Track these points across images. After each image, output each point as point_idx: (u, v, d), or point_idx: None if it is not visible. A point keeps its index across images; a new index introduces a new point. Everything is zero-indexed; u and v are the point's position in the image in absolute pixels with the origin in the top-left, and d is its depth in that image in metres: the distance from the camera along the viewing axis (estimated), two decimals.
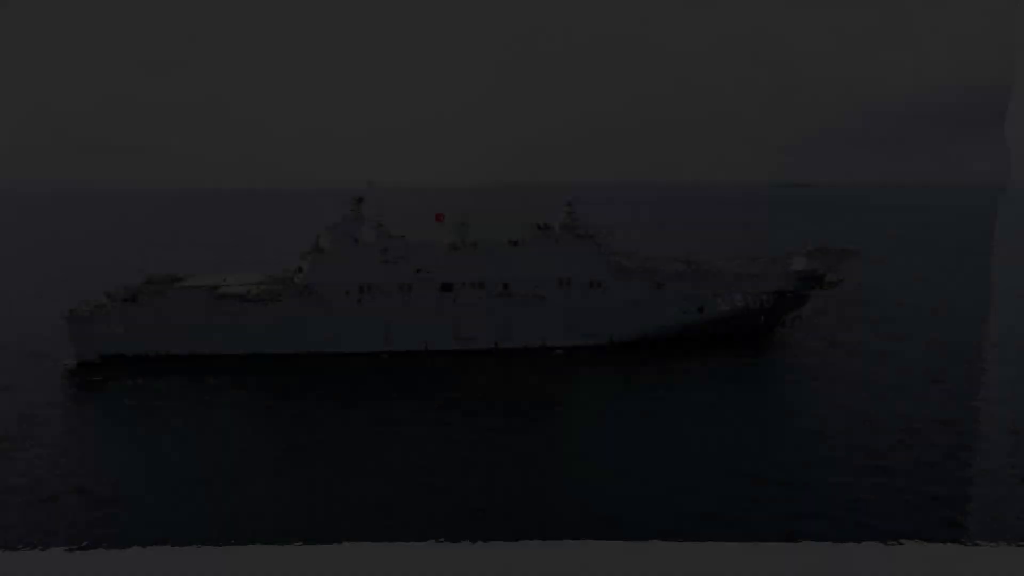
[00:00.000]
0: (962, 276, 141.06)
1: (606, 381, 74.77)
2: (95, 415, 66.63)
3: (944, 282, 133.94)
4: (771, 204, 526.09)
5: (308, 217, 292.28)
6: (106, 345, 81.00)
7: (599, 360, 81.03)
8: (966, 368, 75.39)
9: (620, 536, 28.14)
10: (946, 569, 25.59)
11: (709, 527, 41.84)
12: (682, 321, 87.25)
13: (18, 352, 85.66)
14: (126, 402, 67.82)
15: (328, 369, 77.89)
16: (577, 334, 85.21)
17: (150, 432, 60.25)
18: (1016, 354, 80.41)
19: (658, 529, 40.33)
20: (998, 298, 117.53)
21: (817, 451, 53.55)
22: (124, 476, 50.86)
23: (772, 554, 27.63)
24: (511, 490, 47.44)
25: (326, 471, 51.25)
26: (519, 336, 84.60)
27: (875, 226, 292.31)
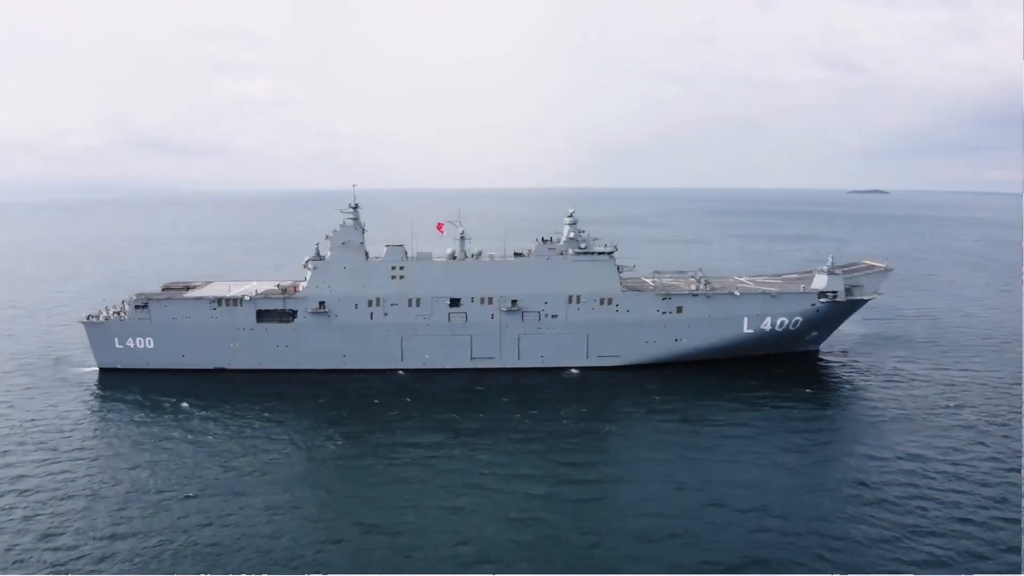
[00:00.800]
0: None
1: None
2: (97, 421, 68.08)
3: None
4: (843, 212, 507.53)
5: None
6: (120, 353, 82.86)
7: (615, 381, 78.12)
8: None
9: None
10: None
11: None
12: (702, 343, 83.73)
13: (43, 356, 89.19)
14: (130, 413, 69.41)
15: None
16: (592, 355, 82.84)
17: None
18: None
19: None
20: None
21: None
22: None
23: None
24: None
25: None
26: (531, 355, 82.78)
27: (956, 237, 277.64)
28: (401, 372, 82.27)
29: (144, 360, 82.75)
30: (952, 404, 69.10)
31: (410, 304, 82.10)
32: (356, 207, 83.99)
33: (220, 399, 72.67)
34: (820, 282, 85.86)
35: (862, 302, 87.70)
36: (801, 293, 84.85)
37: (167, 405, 71.06)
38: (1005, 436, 60.69)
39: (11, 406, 70.48)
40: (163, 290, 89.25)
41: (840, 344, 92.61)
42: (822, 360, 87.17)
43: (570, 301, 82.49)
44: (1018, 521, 45.89)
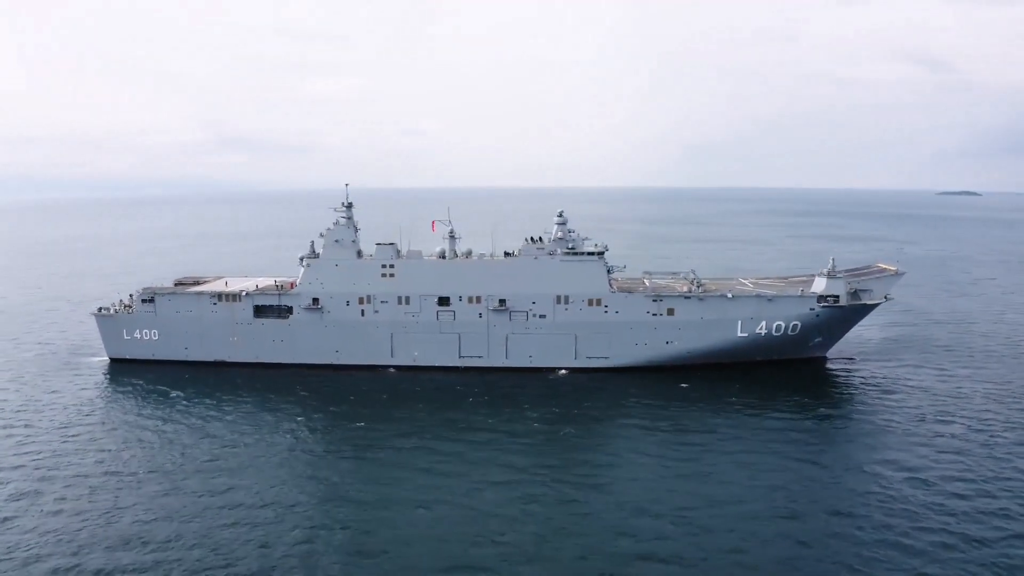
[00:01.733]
0: None
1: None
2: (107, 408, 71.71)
3: None
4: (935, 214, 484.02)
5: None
6: (128, 344, 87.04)
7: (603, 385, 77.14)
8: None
9: None
10: None
11: None
12: (694, 346, 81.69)
13: (71, 345, 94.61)
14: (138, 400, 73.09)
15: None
16: (582, 356, 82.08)
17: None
18: None
19: None
20: None
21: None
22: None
23: None
24: None
25: None
26: (520, 355, 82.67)
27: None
28: (391, 369, 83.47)
29: (150, 351, 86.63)
30: (939, 414, 65.35)
31: (400, 302, 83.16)
32: (350, 206, 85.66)
33: (212, 391, 75.42)
34: (819, 285, 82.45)
35: (870, 307, 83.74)
36: (799, 296, 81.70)
37: (160, 395, 74.45)
38: (1001, 455, 56.82)
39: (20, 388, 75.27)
40: (175, 284, 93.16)
41: (852, 350, 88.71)
42: (827, 367, 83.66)
43: (558, 301, 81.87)
44: None
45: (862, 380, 77.90)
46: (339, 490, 51.75)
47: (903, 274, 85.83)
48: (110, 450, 59.49)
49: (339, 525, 46.48)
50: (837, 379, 79.46)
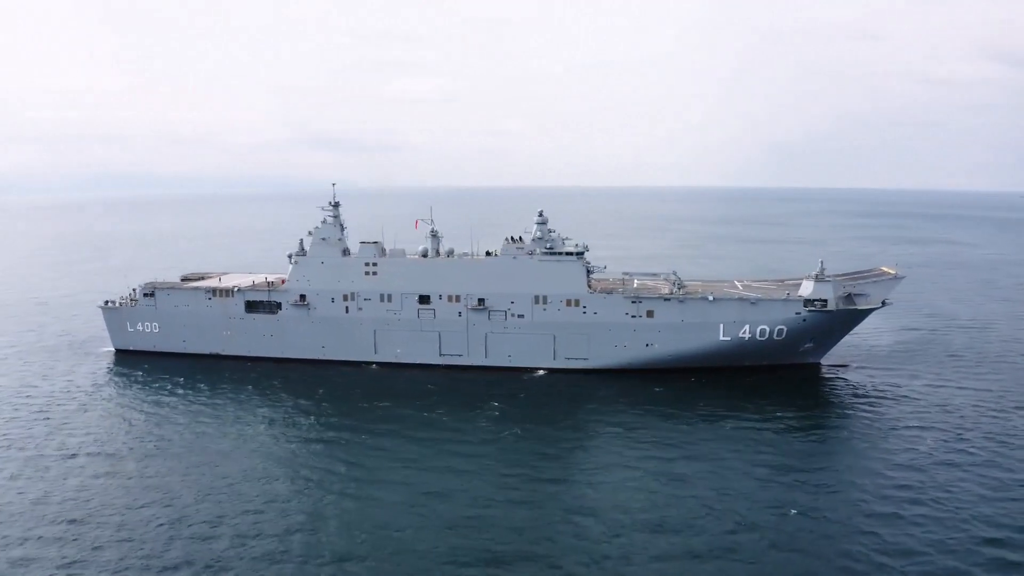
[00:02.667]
0: None
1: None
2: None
3: None
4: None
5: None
6: (132, 336, 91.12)
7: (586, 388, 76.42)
8: None
9: None
10: None
11: None
12: (675, 350, 79.83)
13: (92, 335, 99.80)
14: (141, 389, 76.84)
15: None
16: (561, 357, 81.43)
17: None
18: None
19: None
20: None
21: None
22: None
23: None
24: None
25: None
26: (498, 354, 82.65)
27: None
28: (374, 365, 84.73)
29: (151, 343, 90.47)
30: (914, 425, 61.95)
31: (382, 299, 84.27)
32: (336, 205, 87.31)
33: (201, 384, 78.29)
34: (806, 289, 79.17)
35: (864, 312, 79.95)
36: (784, 300, 78.70)
37: (153, 386, 77.84)
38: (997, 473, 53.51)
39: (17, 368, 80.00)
40: (181, 280, 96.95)
41: (852, 357, 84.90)
42: (817, 375, 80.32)
43: (536, 301, 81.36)
44: None
45: (848, 389, 74.51)
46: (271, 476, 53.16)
47: (902, 278, 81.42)
48: (92, 435, 62.66)
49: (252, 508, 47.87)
50: (819, 386, 76.35)
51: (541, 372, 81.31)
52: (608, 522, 46.33)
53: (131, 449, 59.54)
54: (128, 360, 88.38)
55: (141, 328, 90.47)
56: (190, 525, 46.35)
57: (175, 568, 41.39)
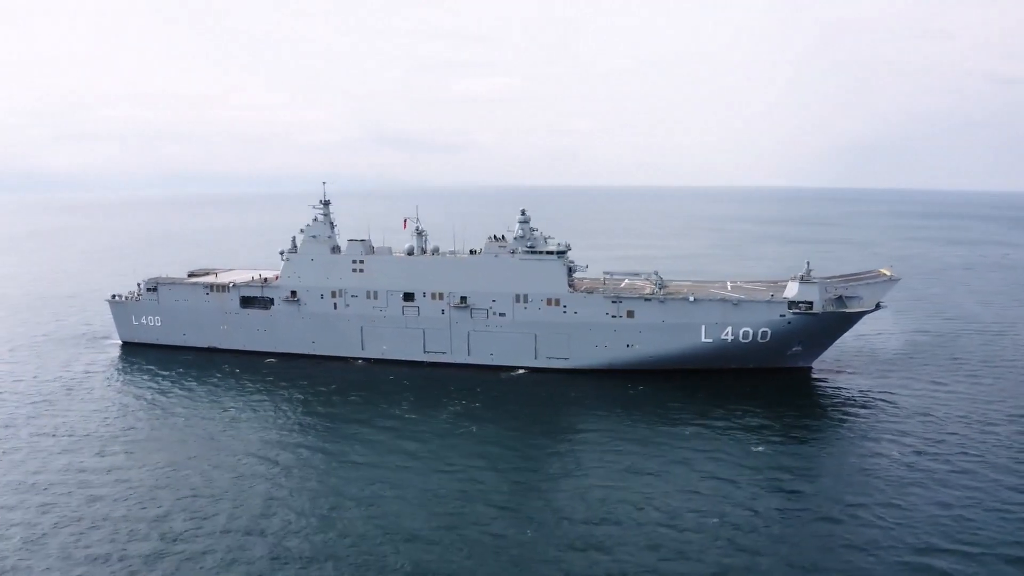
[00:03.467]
0: None
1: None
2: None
3: None
4: None
5: None
6: (136, 329, 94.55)
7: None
8: None
9: None
10: None
11: None
12: (656, 351, 78.51)
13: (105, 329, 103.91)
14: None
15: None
16: (542, 356, 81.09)
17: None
18: None
19: None
20: None
21: None
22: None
23: None
24: None
25: None
26: (481, 352, 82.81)
27: None
28: (360, 361, 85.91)
29: (154, 336, 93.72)
30: (893, 433, 59.59)
31: (368, 296, 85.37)
32: (327, 203, 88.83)
33: (192, 377, 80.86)
34: (791, 291, 76.74)
35: (856, 315, 77.09)
36: (768, 302, 76.51)
37: (145, 377, 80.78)
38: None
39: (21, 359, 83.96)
40: (188, 275, 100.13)
41: (845, 362, 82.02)
42: (806, 379, 77.77)
43: (517, 300, 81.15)
44: None
45: (830, 395, 72.15)
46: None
47: (897, 280, 78.21)
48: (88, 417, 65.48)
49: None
50: (800, 391, 74.04)
51: (521, 371, 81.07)
52: (573, 521, 46.21)
53: (116, 451, 59.74)
54: (133, 352, 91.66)
55: (145, 321, 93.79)
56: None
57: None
